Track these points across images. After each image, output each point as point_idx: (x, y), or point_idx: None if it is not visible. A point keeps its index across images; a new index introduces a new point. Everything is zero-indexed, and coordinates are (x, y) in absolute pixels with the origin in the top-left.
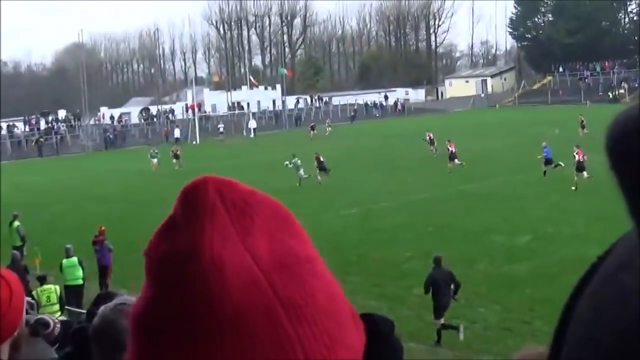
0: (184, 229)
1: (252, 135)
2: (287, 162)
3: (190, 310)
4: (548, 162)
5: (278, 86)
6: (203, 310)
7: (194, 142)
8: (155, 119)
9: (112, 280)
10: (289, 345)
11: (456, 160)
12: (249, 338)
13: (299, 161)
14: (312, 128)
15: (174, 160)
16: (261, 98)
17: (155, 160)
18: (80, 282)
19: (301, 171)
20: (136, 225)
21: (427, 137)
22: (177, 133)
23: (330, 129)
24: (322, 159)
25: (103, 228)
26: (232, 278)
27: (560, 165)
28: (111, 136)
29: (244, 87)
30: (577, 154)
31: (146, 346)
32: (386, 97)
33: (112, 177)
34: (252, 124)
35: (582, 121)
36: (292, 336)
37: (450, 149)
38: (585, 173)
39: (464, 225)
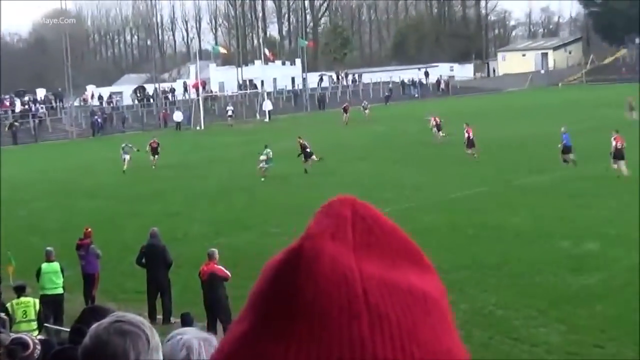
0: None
1: (266, 119)
2: (264, 155)
3: (274, 288)
4: (566, 150)
5: (298, 61)
6: (286, 290)
7: (198, 128)
8: (151, 100)
9: (99, 290)
10: (359, 348)
11: (472, 150)
12: (320, 328)
13: (271, 152)
14: (345, 110)
15: (152, 157)
16: (278, 75)
17: (127, 156)
18: (60, 291)
19: (271, 164)
20: (128, 225)
21: (433, 122)
22: (177, 117)
23: (368, 111)
24: (307, 147)
25: (89, 229)
26: (324, 269)
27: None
28: (99, 120)
29: (257, 62)
30: (615, 139)
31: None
32: (427, 74)
33: (100, 168)
34: (267, 105)
35: (631, 102)
36: (367, 341)
37: (468, 134)
38: (623, 163)
39: (515, 227)
